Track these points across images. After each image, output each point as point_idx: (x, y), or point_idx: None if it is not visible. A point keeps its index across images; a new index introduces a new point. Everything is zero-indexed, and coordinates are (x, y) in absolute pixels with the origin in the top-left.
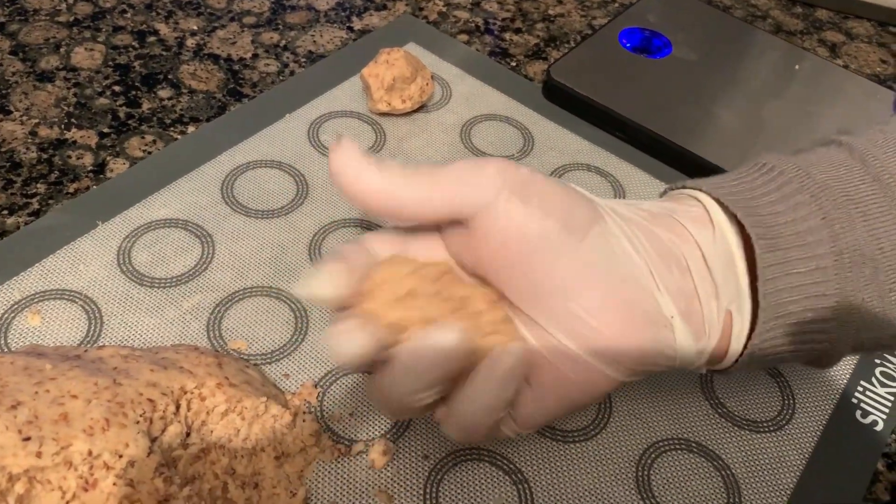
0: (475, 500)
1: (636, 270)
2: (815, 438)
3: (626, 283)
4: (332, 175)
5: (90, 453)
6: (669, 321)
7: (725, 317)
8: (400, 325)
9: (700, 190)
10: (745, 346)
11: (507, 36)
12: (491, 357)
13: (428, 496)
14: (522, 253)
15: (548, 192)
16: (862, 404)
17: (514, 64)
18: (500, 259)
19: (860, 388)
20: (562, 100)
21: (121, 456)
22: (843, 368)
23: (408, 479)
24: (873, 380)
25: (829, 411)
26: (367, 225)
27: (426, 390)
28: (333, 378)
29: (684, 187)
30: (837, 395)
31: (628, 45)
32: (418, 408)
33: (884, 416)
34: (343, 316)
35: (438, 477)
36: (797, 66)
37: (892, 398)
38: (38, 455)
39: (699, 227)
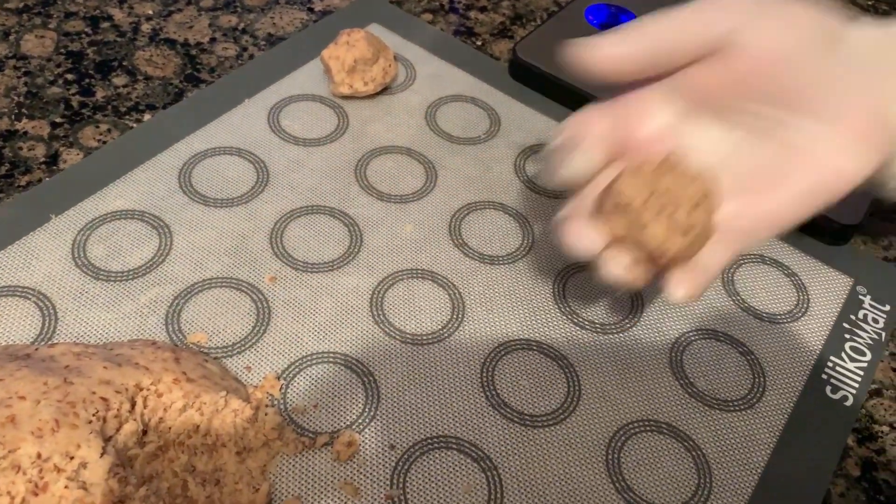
0: (443, 489)
1: (876, 76)
2: (786, 415)
3: (871, 86)
4: (580, 58)
5: (39, 456)
6: None
7: None
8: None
9: None
10: None
11: (472, 14)
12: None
13: (395, 486)
14: (783, 64)
15: (794, 4)
16: (832, 380)
17: (479, 43)
18: (760, 74)
19: (830, 364)
20: (528, 79)
21: (72, 457)
22: (813, 344)
23: (374, 469)
24: (843, 355)
25: (800, 388)
26: (331, 212)
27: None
28: (297, 369)
29: None
30: (807, 372)
31: (595, 21)
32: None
33: (853, 391)
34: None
35: (405, 467)
36: None
37: (861, 373)
38: None
39: None
